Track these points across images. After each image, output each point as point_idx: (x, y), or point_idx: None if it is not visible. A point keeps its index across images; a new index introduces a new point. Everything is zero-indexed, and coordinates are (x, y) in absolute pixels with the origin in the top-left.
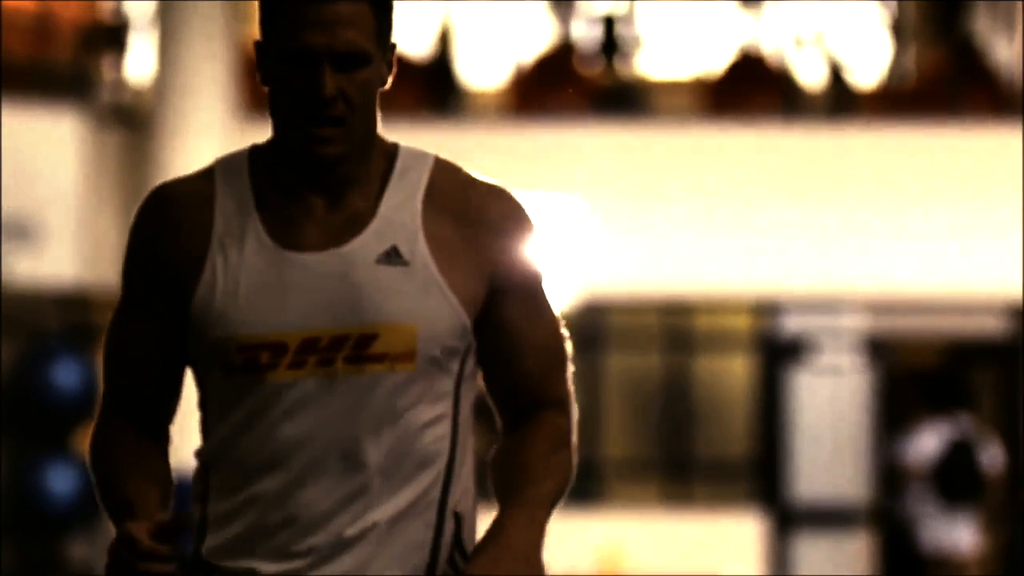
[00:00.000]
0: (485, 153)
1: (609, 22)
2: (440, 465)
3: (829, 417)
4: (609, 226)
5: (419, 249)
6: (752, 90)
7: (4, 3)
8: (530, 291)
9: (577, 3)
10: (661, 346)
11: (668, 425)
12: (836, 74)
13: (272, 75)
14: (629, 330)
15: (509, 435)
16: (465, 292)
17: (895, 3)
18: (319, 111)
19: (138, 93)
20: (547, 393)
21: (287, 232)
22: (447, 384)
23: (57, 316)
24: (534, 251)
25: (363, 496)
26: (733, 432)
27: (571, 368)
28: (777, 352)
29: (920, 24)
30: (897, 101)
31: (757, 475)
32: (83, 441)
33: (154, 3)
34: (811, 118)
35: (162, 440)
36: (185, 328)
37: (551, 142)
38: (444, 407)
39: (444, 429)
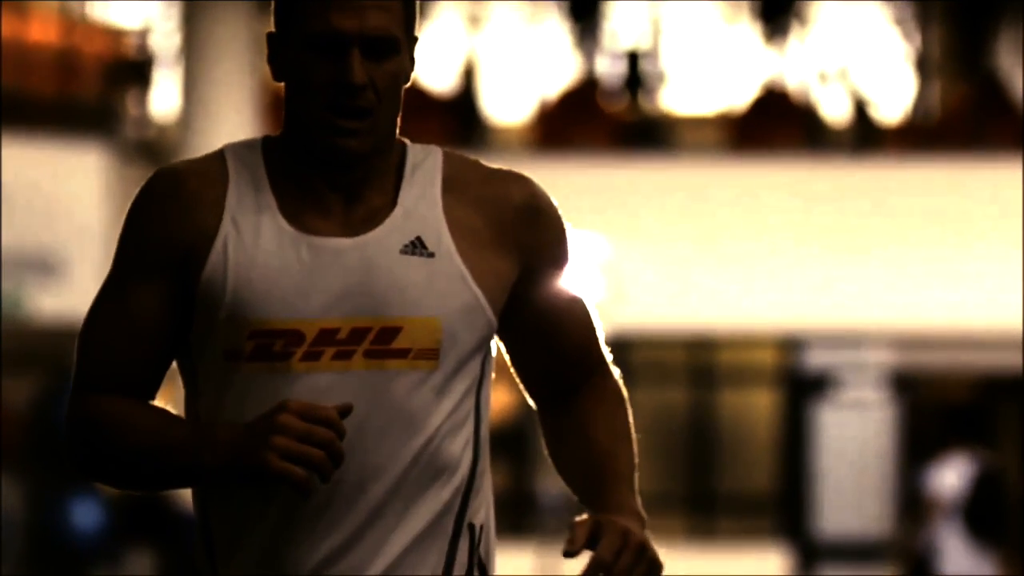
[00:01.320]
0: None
1: (633, 57)
2: (461, 476)
3: (853, 451)
4: (633, 261)
5: (444, 240)
6: (776, 125)
7: (30, 39)
8: (560, 268)
9: (601, 38)
10: (686, 381)
11: (693, 459)
12: (860, 109)
13: (293, 64)
14: (654, 365)
15: (564, 407)
16: (492, 284)
17: (919, 39)
18: (347, 100)
19: (162, 128)
20: (591, 360)
21: (305, 218)
22: (468, 385)
23: None
24: (562, 230)
25: (379, 521)
26: (757, 466)
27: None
28: (802, 387)
29: (944, 60)
30: (921, 136)
31: (781, 509)
32: None
33: (178, 39)
34: (836, 153)
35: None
36: (183, 312)
37: (575, 177)
38: (465, 410)
39: (466, 434)
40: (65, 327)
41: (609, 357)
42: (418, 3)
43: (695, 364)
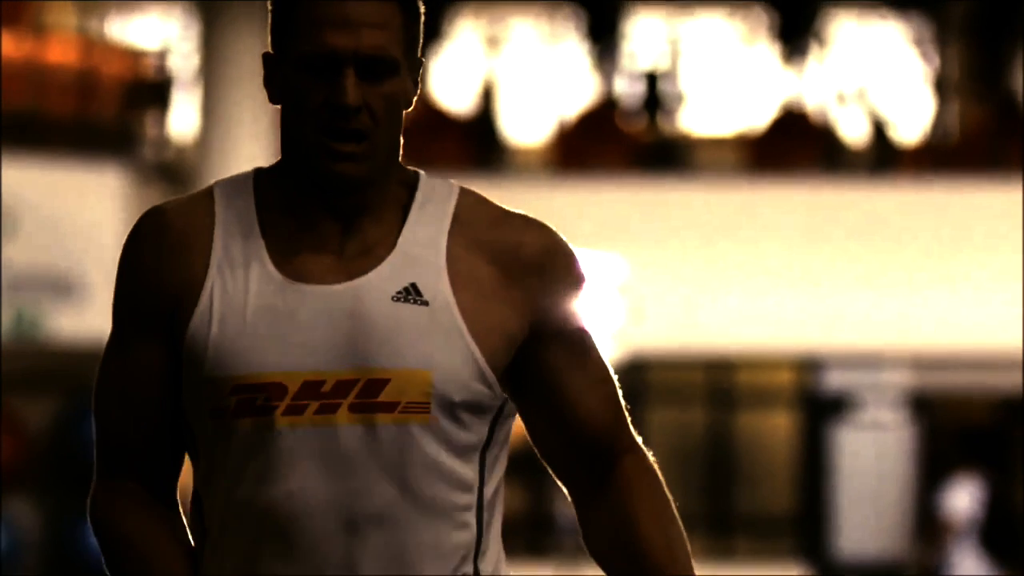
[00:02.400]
0: (527, 209)
1: (652, 78)
2: (465, 540)
3: (872, 472)
4: (652, 282)
5: (442, 288)
6: (795, 146)
7: (48, 61)
8: (578, 332)
9: (620, 59)
10: (704, 402)
11: (711, 480)
12: (879, 130)
13: (288, 85)
14: (672, 386)
15: (595, 501)
16: (493, 340)
17: (938, 60)
18: (341, 123)
19: (181, 149)
20: (618, 439)
21: (294, 262)
22: (470, 445)
23: None
24: (579, 288)
25: None
26: (776, 487)
27: (627, 405)
28: (820, 408)
29: (962, 80)
30: (940, 157)
31: (800, 530)
32: None
33: (197, 60)
34: (854, 174)
35: (172, 502)
36: (177, 368)
37: (594, 198)
38: (467, 472)
39: (469, 498)
40: (83, 348)
41: (637, 436)
42: (422, 26)
43: (713, 385)
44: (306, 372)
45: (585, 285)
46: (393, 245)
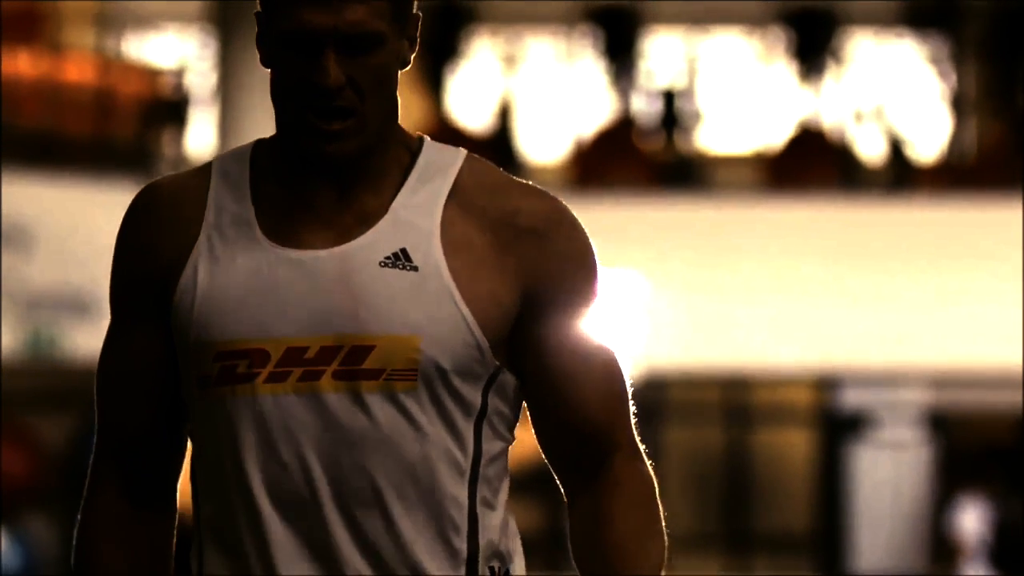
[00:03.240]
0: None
1: (669, 96)
2: (460, 514)
3: (890, 491)
4: (669, 300)
5: (432, 253)
6: (812, 164)
7: (65, 80)
8: (578, 309)
9: (637, 77)
10: (721, 420)
11: (729, 498)
12: (896, 148)
13: (271, 58)
14: (689, 404)
15: (580, 498)
16: (487, 307)
17: (954, 78)
18: (323, 102)
19: None
20: (613, 435)
21: (284, 229)
22: (462, 415)
23: None
24: (582, 263)
25: (370, 554)
26: (794, 506)
27: (634, 409)
28: (837, 426)
29: (979, 99)
30: (957, 175)
31: (817, 548)
32: None
33: (214, 78)
34: (871, 192)
35: (168, 495)
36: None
37: (611, 216)
38: (461, 443)
39: (461, 468)
40: None
41: (638, 439)
42: None
43: (730, 403)
44: (290, 338)
45: (593, 263)
46: (386, 210)
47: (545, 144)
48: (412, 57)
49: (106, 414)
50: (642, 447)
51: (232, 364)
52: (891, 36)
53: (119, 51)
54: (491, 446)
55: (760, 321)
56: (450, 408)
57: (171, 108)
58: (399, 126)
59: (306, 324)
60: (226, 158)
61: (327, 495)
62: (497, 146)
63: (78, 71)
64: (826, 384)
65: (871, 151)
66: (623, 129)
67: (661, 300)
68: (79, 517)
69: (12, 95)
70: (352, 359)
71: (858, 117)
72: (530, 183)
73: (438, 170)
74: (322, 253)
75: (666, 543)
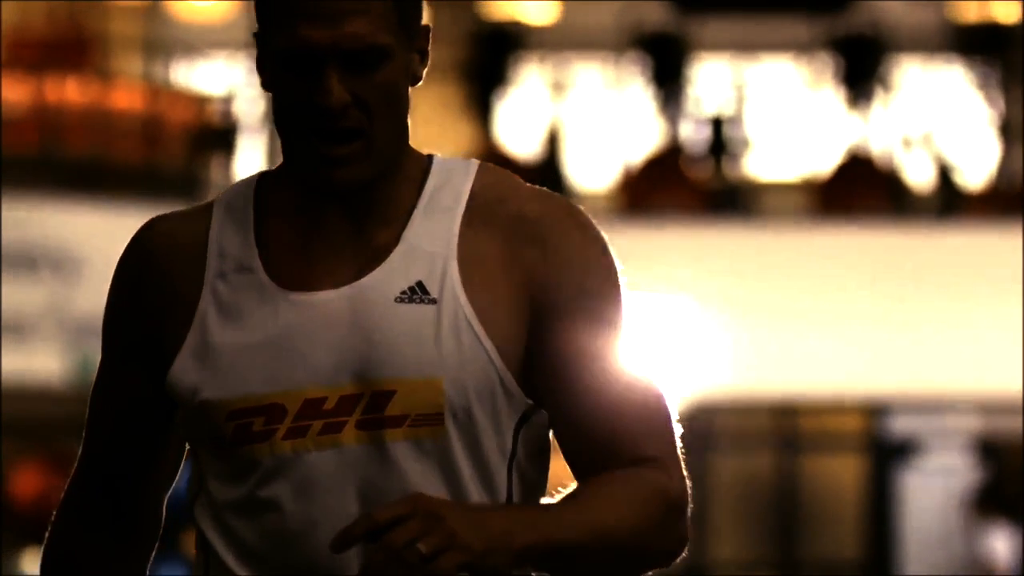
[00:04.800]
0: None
1: (717, 123)
2: None
3: (939, 518)
4: (718, 327)
5: (449, 281)
6: (860, 191)
7: (113, 107)
8: (591, 316)
9: (685, 104)
10: (771, 447)
11: (778, 526)
12: (944, 174)
13: (272, 79)
14: (738, 431)
15: None
16: (509, 335)
17: (1002, 103)
18: (328, 124)
19: None
20: (634, 450)
21: (293, 269)
22: (494, 458)
23: None
24: (590, 264)
25: None
26: (842, 532)
27: (675, 425)
28: (886, 453)
29: None
30: (1005, 201)
31: (867, 575)
32: (191, 540)
33: (262, 105)
34: (919, 218)
35: (141, 534)
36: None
37: (659, 243)
38: (493, 487)
39: None
40: None
41: (679, 453)
42: None
43: (779, 430)
44: (306, 390)
45: (604, 266)
46: (398, 240)
47: (593, 171)
48: (424, 72)
49: (91, 445)
50: (683, 464)
51: (247, 422)
52: (939, 62)
53: (167, 78)
54: (522, 492)
55: (809, 348)
56: (480, 452)
57: (219, 135)
58: (409, 146)
59: (322, 373)
60: (230, 193)
61: (355, 550)
62: (545, 173)
63: (126, 98)
64: (875, 411)
65: (919, 177)
66: (671, 156)
67: (710, 327)
68: (49, 541)
69: (60, 122)
70: (374, 407)
71: (906, 143)
72: (541, 188)
73: (451, 190)
74: (333, 294)
75: (658, 534)
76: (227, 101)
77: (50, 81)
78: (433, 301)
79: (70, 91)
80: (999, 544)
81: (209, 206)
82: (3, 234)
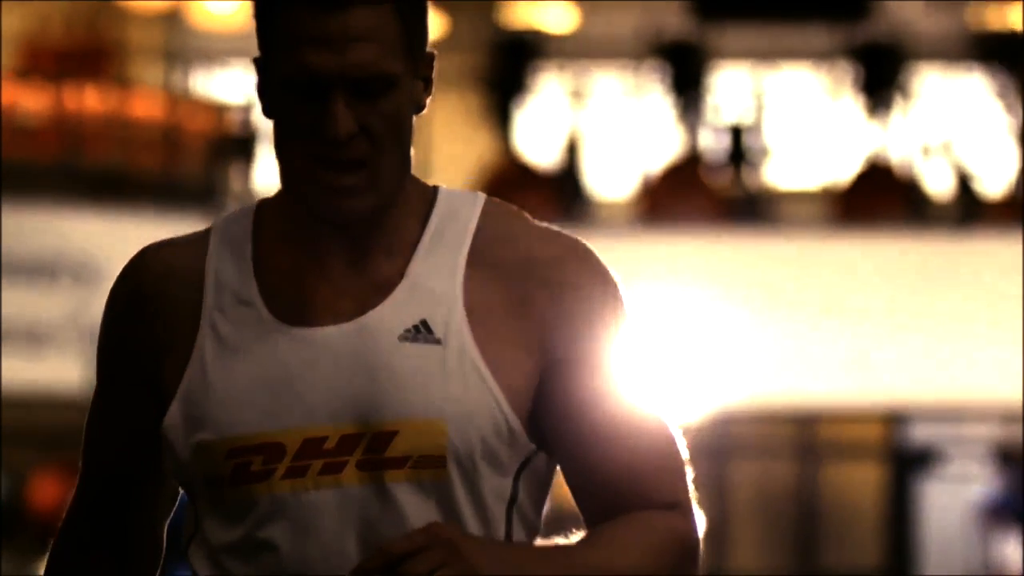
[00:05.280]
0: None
1: (737, 132)
2: None
3: (959, 526)
4: (737, 335)
5: (455, 323)
6: (879, 199)
7: (133, 116)
8: (604, 359)
9: (704, 112)
10: (790, 455)
11: (797, 534)
12: (963, 183)
13: (274, 105)
14: (758, 440)
15: None
16: (514, 381)
17: (1022, 112)
18: (334, 153)
19: None
20: (649, 495)
21: (293, 302)
22: (492, 505)
23: None
24: (600, 309)
25: None
26: (862, 542)
27: (687, 467)
28: (906, 461)
29: None
30: None
31: None
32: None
33: None
34: (939, 227)
35: (134, 567)
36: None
37: (678, 251)
38: (489, 534)
39: None
40: None
41: (692, 499)
42: (426, 16)
43: (799, 439)
44: (306, 428)
45: (614, 309)
46: (402, 276)
47: (613, 179)
48: (427, 101)
49: (89, 469)
50: (696, 510)
51: (246, 461)
52: (959, 70)
53: (186, 86)
54: (521, 535)
55: (828, 356)
56: (481, 496)
57: (238, 144)
58: (413, 176)
59: (323, 411)
60: (228, 222)
61: None
62: (564, 182)
63: (145, 107)
64: (894, 419)
65: (939, 185)
66: (691, 164)
67: (729, 335)
68: (49, 566)
69: (80, 131)
70: (375, 447)
71: (926, 151)
72: (550, 227)
73: (455, 224)
74: (334, 330)
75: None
76: (246, 110)
77: (69, 89)
78: (437, 341)
79: (89, 99)
80: (1018, 553)
81: (206, 235)
82: (23, 242)
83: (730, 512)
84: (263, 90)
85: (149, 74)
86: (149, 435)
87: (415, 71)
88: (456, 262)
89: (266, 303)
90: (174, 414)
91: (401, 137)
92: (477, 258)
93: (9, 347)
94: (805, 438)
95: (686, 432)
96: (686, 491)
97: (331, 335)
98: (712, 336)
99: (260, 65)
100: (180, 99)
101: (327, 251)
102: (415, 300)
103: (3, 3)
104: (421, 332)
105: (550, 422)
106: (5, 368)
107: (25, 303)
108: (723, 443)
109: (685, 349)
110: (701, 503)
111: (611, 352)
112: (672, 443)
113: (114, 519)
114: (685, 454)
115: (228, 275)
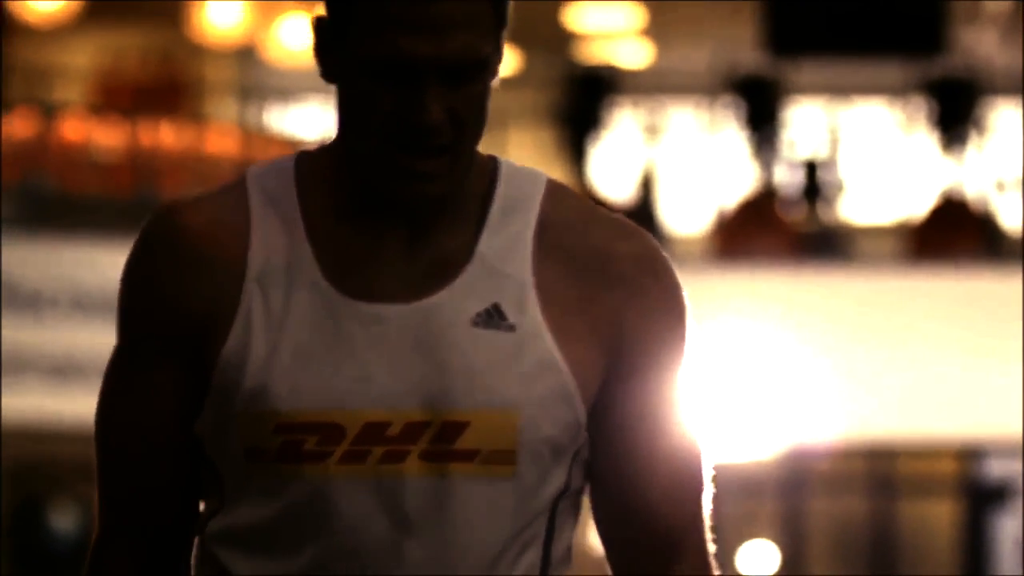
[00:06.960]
0: (687, 299)
1: (811, 167)
2: None
3: None
4: (813, 371)
5: (529, 309)
6: (955, 234)
7: (208, 151)
8: (666, 376)
9: (779, 148)
10: (865, 491)
11: (873, 570)
12: None
13: (348, 82)
14: (834, 475)
15: None
16: (587, 374)
17: None
18: (420, 140)
19: None
20: (684, 536)
21: (351, 275)
22: (549, 496)
23: None
24: (674, 320)
25: None
26: None
27: (709, 494)
28: (982, 497)
29: None
30: None
31: None
32: None
33: None
34: (1014, 262)
35: (178, 562)
36: (199, 399)
37: (753, 287)
38: (539, 527)
39: (532, 557)
40: None
41: (711, 545)
42: None
43: (874, 474)
44: (368, 411)
45: (686, 322)
46: (470, 255)
47: (687, 215)
48: (500, 68)
49: (112, 467)
50: (712, 558)
51: (298, 439)
52: None
53: (261, 123)
54: (565, 530)
55: (904, 391)
56: (543, 491)
57: None
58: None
59: (387, 394)
60: (264, 179)
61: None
62: (639, 217)
63: (220, 143)
64: (970, 455)
65: (1014, 220)
66: (765, 200)
67: (805, 371)
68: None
69: (154, 167)
70: (443, 438)
71: (1000, 186)
72: (618, 216)
73: (520, 202)
74: (402, 308)
75: None
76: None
77: (144, 125)
78: (511, 328)
79: (164, 135)
80: None
81: (241, 191)
82: (97, 278)
83: (806, 548)
84: (323, 53)
85: (223, 110)
86: (183, 410)
87: (500, 44)
88: (523, 243)
89: (323, 270)
90: (217, 382)
91: (483, 119)
92: (544, 241)
93: (84, 381)
94: (880, 474)
95: (762, 467)
96: (703, 526)
97: (399, 313)
98: (787, 371)
99: (327, 29)
100: (254, 135)
101: (385, 223)
102: (486, 282)
103: (79, 39)
104: (494, 317)
105: (600, 429)
106: (80, 402)
107: (100, 338)
108: (799, 479)
109: (760, 384)
110: (777, 539)
111: (675, 365)
112: (704, 481)
113: (150, 548)
114: (710, 485)
115: (275, 234)
